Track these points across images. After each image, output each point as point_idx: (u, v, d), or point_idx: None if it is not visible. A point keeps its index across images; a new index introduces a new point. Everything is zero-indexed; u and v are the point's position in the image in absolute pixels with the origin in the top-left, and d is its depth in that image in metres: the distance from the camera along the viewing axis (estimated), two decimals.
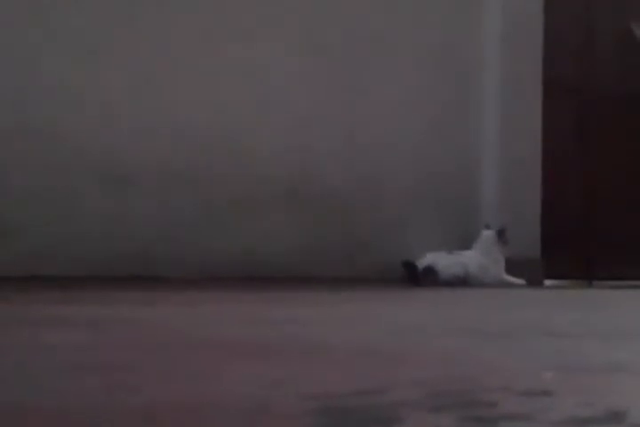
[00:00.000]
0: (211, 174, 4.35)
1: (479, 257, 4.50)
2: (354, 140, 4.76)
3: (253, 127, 4.47)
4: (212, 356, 1.10)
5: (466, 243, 4.71)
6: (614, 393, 0.84)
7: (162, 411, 0.70)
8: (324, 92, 4.68)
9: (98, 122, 4.13)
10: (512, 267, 4.65)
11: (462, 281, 4.36)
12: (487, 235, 4.58)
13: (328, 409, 0.71)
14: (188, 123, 4.32)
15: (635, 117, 5.97)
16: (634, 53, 5.97)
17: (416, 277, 4.23)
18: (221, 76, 4.41)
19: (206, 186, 4.35)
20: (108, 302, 2.34)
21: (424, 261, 4.34)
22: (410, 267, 4.28)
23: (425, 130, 5.00)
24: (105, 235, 4.10)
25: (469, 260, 4.46)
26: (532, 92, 5.26)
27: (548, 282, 5.20)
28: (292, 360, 1.07)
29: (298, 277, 4.41)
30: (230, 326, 1.58)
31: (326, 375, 0.92)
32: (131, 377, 0.89)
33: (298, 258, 4.50)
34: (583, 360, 1.12)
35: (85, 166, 4.10)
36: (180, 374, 0.92)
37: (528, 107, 5.24)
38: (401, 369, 1.00)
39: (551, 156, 5.39)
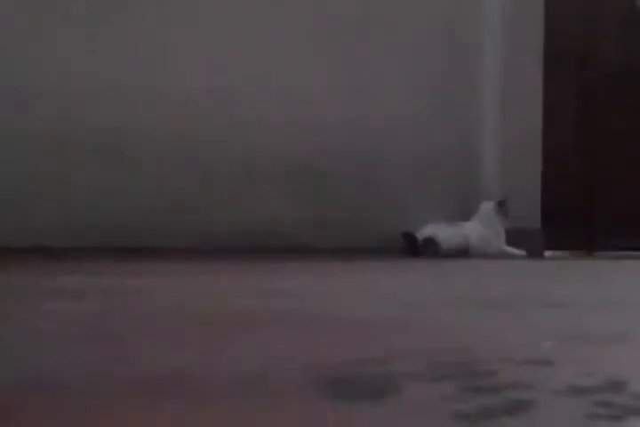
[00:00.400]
0: (211, 147, 4.34)
1: (480, 228, 4.50)
2: (354, 114, 4.74)
3: (254, 100, 4.45)
4: (212, 327, 1.10)
5: (466, 214, 4.71)
6: (614, 363, 0.84)
7: (161, 382, 0.70)
8: (325, 67, 4.65)
9: (97, 94, 4.11)
10: (512, 238, 4.65)
11: (463, 252, 4.36)
12: (487, 206, 4.58)
13: (329, 379, 0.71)
14: (188, 95, 4.29)
15: (636, 91, 5.94)
16: (636, 27, 5.92)
17: (416, 249, 4.23)
18: (221, 49, 4.38)
19: (206, 158, 4.34)
20: (107, 272, 2.35)
21: (424, 232, 4.34)
22: (410, 238, 4.28)
23: (425, 103, 4.97)
24: (105, 207, 4.10)
25: (470, 231, 4.46)
26: (532, 66, 5.23)
27: (548, 253, 5.20)
28: (293, 331, 1.07)
29: (298, 248, 4.41)
30: (230, 297, 1.58)
31: (327, 346, 0.92)
32: (130, 348, 0.89)
33: (298, 229, 4.51)
34: (583, 331, 1.12)
35: (85, 138, 4.09)
36: (179, 346, 0.92)
37: (529, 80, 5.21)
38: (401, 340, 1.00)
39: (552, 128, 5.37)
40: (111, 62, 4.14)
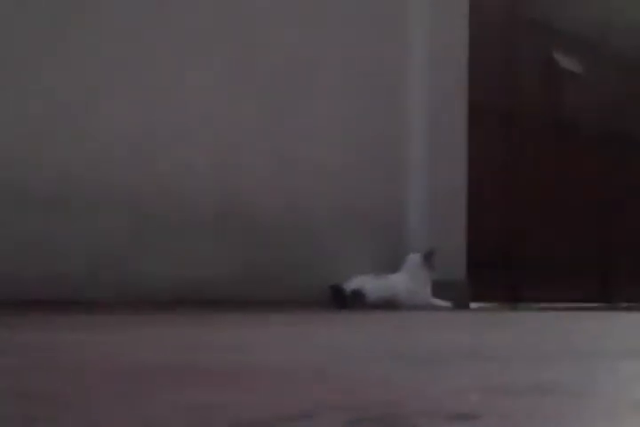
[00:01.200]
0: (138, 198, 4.29)
1: (406, 280, 4.53)
2: (282, 163, 4.76)
3: (182, 145, 4.43)
4: (135, 382, 1.08)
5: (394, 266, 4.74)
6: (539, 416, 0.84)
7: None
8: (252, 114, 4.68)
9: (21, 135, 4.03)
10: (439, 290, 4.69)
11: (390, 304, 4.38)
12: (414, 258, 4.63)
13: None
14: (117, 138, 4.24)
15: (563, 145, 6.11)
16: (559, 82, 6.11)
17: (343, 301, 4.24)
18: (147, 93, 4.36)
19: (134, 209, 4.28)
20: (34, 326, 2.28)
21: (352, 284, 4.35)
22: (337, 290, 4.29)
23: (353, 154, 5.04)
24: (31, 258, 4.00)
25: (396, 283, 4.49)
26: (458, 120, 5.35)
27: (474, 305, 5.26)
28: (216, 384, 1.05)
29: (227, 300, 4.37)
30: (154, 349, 1.55)
31: (250, 400, 0.91)
32: (50, 406, 0.86)
33: (227, 281, 4.47)
34: (510, 382, 1.12)
35: (8, 187, 4.00)
36: (103, 402, 0.90)
37: (455, 134, 5.33)
38: (326, 393, 0.99)
39: (479, 181, 5.48)
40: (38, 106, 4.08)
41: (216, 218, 4.51)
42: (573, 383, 1.13)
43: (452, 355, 1.56)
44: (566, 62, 6.19)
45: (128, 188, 4.27)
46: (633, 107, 6.69)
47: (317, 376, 1.17)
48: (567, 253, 6.08)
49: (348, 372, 1.23)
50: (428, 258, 4.59)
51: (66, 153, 4.12)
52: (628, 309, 5.62)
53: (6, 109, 3.99)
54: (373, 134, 5.11)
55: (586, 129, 6.29)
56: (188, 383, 1.06)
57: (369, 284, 4.36)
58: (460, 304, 4.90)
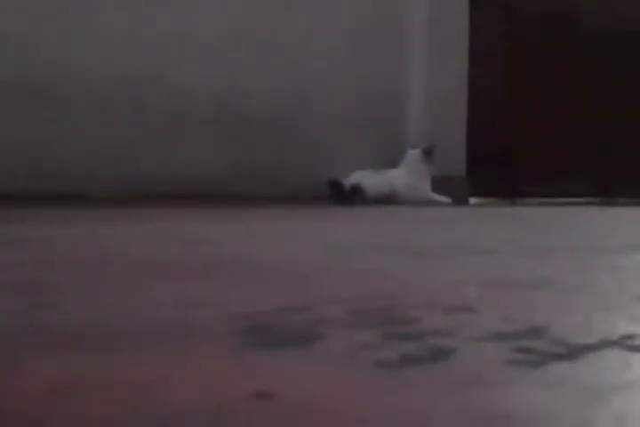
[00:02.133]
0: (138, 90, 4.24)
1: (406, 175, 4.53)
2: (283, 60, 4.69)
3: (183, 43, 4.36)
4: (134, 276, 1.08)
5: (393, 162, 4.73)
6: (537, 309, 0.85)
7: (77, 330, 0.68)
8: (254, 10, 4.57)
9: (26, 29, 3.96)
10: (438, 185, 4.70)
11: (389, 199, 4.39)
12: (413, 153, 4.61)
13: (248, 328, 0.70)
14: (117, 37, 4.17)
15: (562, 44, 5.99)
16: None
17: (343, 196, 4.25)
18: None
19: (134, 101, 4.24)
20: (32, 221, 2.29)
21: (351, 179, 4.35)
22: (336, 186, 4.29)
23: (354, 51, 4.95)
24: (29, 151, 3.98)
25: (396, 178, 4.49)
26: (459, 9, 5.23)
27: (473, 200, 5.27)
28: (218, 279, 1.05)
29: (226, 195, 4.38)
30: (155, 243, 1.56)
31: (250, 294, 0.91)
32: (48, 296, 0.87)
33: (227, 176, 4.47)
34: (508, 277, 1.13)
35: (9, 82, 3.95)
36: (99, 294, 0.90)
37: (455, 25, 5.22)
38: (326, 287, 0.99)
39: (479, 74, 5.40)
40: (50, 17, 3.99)
41: (215, 116, 4.47)
42: (572, 277, 1.14)
43: (450, 249, 1.57)
44: None
45: (128, 85, 4.21)
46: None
47: (317, 270, 1.17)
48: (567, 149, 6.05)
49: (348, 266, 1.24)
50: (428, 153, 4.57)
51: (66, 47, 4.05)
52: (627, 204, 5.64)
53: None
54: (373, 26, 5.01)
55: (586, 24, 6.16)
56: (187, 277, 1.06)
57: (368, 179, 4.36)
58: (460, 200, 4.92)
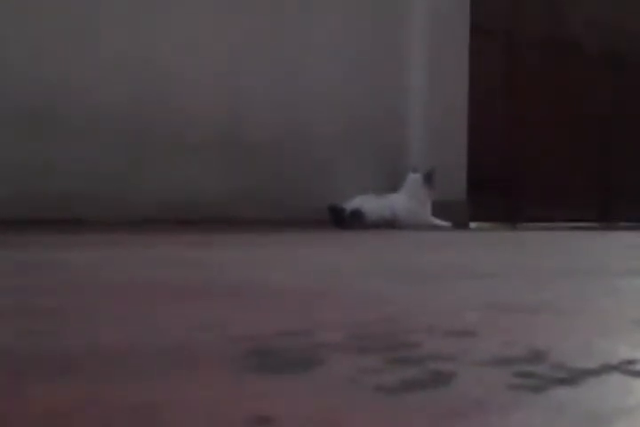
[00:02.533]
0: (139, 116, 4.26)
1: (406, 200, 4.54)
2: (283, 84, 4.71)
3: (183, 71, 4.39)
4: (136, 299, 1.08)
5: (394, 186, 4.74)
6: (537, 333, 0.84)
7: (77, 356, 0.68)
8: (254, 37, 4.60)
9: (28, 56, 3.99)
10: (439, 209, 4.70)
11: (389, 224, 4.39)
12: (414, 178, 4.62)
13: (253, 351, 0.70)
14: (119, 62, 4.20)
15: (562, 63, 6.02)
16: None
17: (343, 221, 4.25)
18: (151, 19, 4.29)
19: (135, 128, 4.26)
20: (33, 245, 2.29)
21: (351, 204, 4.35)
22: (336, 211, 4.30)
23: (354, 74, 4.97)
24: (31, 178, 3.99)
25: (396, 203, 4.49)
26: (459, 37, 5.27)
27: (473, 224, 5.28)
28: (219, 302, 1.05)
29: (227, 219, 4.38)
30: (156, 268, 1.56)
31: (251, 318, 0.91)
32: (47, 321, 0.87)
33: (227, 201, 4.48)
34: (507, 300, 1.13)
35: (11, 105, 3.97)
36: (99, 318, 0.90)
37: (455, 51, 5.25)
38: (327, 311, 0.99)
39: (479, 100, 5.42)
40: (45, 32, 4.02)
41: (215, 141, 4.49)
42: (572, 301, 1.14)
43: (450, 273, 1.57)
44: None
45: (129, 112, 4.23)
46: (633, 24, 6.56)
47: (317, 295, 1.17)
48: (568, 174, 6.06)
49: (348, 290, 1.23)
50: (429, 178, 4.58)
51: (66, 70, 4.08)
52: (628, 228, 5.64)
53: (5, 28, 3.93)
54: (374, 54, 5.04)
55: (587, 47, 6.19)
56: (188, 300, 1.06)
57: (368, 204, 4.37)
58: (460, 224, 4.92)
